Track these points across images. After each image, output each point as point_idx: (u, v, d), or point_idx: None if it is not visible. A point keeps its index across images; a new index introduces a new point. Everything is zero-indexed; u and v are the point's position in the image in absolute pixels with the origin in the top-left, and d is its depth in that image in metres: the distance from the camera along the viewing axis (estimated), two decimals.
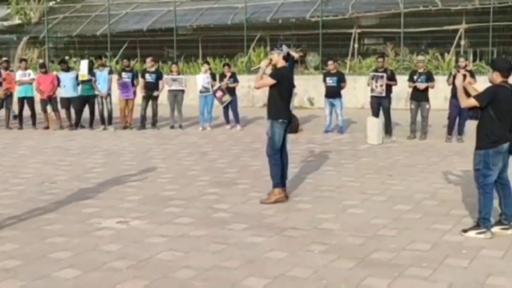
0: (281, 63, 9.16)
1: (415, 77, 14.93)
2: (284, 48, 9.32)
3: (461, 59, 15.07)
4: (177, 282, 5.92)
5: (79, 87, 17.45)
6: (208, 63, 18.69)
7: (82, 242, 7.09)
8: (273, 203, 8.88)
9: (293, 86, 9.57)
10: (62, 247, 6.91)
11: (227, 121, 17.63)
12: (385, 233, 7.44)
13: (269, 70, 9.36)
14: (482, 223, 7.24)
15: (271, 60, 9.24)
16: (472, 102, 7.31)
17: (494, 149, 7.15)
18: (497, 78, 7.23)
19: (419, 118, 14.98)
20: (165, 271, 6.16)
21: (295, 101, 18.13)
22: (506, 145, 7.18)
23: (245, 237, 7.30)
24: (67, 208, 8.68)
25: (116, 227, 7.70)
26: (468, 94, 7.50)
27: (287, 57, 9.34)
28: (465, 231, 7.31)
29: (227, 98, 17.05)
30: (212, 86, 17.19)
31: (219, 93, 17.14)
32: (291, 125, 16.07)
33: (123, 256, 6.59)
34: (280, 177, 9.10)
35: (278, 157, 9.11)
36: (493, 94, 7.17)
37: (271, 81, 9.02)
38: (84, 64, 17.84)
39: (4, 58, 20.73)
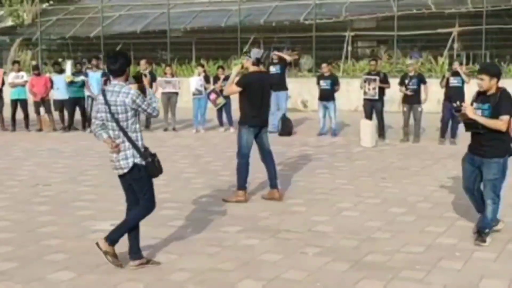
0: (251, 68, 9.28)
1: (406, 81, 14.96)
2: (253, 53, 9.43)
3: (455, 63, 15.16)
4: (172, 284, 5.93)
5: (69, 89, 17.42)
6: (202, 66, 18.71)
7: (77, 244, 7.10)
8: (234, 202, 9.05)
9: (268, 89, 9.57)
10: (56, 249, 6.91)
11: (221, 123, 17.65)
12: (379, 235, 7.47)
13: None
14: (491, 225, 7.19)
15: (242, 65, 9.38)
16: (507, 118, 6.86)
17: (508, 155, 7.09)
18: (494, 84, 6.95)
19: (412, 121, 15.03)
20: (160, 273, 6.18)
21: (288, 104, 18.08)
22: None
23: (240, 240, 7.32)
24: (62, 210, 8.68)
25: (110, 230, 7.69)
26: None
27: (260, 61, 9.51)
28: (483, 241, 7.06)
29: (221, 100, 17.06)
30: (206, 88, 17.20)
31: (213, 96, 17.16)
32: (286, 128, 16.37)
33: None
34: (244, 180, 9.24)
35: (245, 161, 9.22)
36: None
37: (237, 89, 9.22)
38: (68, 66, 17.83)
39: None
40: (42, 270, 6.25)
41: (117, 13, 30.62)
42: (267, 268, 6.34)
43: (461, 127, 14.88)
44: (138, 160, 6.22)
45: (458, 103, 7.09)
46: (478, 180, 7.18)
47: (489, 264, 6.46)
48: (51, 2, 33.27)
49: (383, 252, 6.81)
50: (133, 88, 6.19)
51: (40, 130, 17.69)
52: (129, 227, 6.35)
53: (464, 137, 15.18)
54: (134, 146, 6.20)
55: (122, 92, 6.11)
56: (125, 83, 6.24)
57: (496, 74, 7.01)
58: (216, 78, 17.55)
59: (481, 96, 7.07)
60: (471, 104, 7.10)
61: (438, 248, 6.96)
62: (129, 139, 6.18)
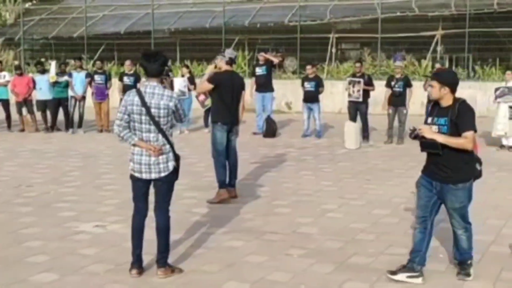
0: (224, 67, 9.33)
1: (393, 83, 15.01)
2: (227, 53, 9.48)
3: (437, 65, 15.26)
4: (156, 286, 5.91)
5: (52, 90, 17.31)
6: (187, 67, 18.63)
7: (59, 246, 7.03)
8: (218, 203, 9.05)
9: (239, 89, 9.54)
10: (39, 251, 6.85)
11: (206, 124, 17.59)
12: (364, 237, 7.48)
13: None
14: (471, 255, 6.27)
15: (215, 65, 9.43)
16: (472, 135, 5.83)
17: (474, 178, 6.10)
18: (447, 94, 5.93)
19: (396, 123, 15.06)
20: (143, 275, 6.13)
21: (274, 106, 18.07)
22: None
23: (224, 241, 7.30)
24: (44, 211, 8.60)
25: (94, 231, 7.66)
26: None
27: (233, 61, 9.54)
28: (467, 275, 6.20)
29: (209, 102, 16.94)
30: (190, 90, 17.13)
31: (201, 97, 17.01)
32: (270, 129, 16.35)
33: (101, 260, 6.56)
34: (225, 178, 9.27)
35: (222, 158, 9.27)
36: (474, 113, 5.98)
37: (208, 86, 9.26)
38: (52, 66, 17.72)
39: None
40: (23, 272, 6.19)
41: (101, 13, 30.46)
42: (251, 269, 6.32)
43: None
44: (175, 163, 6.12)
45: (411, 127, 6.09)
46: (436, 209, 6.13)
47: (474, 266, 6.44)
48: (34, 2, 33.09)
49: (368, 254, 6.81)
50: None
51: (23, 130, 17.54)
52: (169, 232, 6.27)
53: None
54: (173, 149, 6.11)
55: (166, 95, 5.98)
56: (161, 85, 6.09)
57: (448, 82, 5.90)
58: None
59: (437, 109, 6.05)
60: (426, 120, 6.16)
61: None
62: (169, 142, 6.07)
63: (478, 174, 6.11)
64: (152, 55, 6.06)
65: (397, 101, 14.98)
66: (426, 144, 5.95)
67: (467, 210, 6.10)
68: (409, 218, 8.28)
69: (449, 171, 5.90)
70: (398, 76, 15.20)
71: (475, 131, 5.85)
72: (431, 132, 5.89)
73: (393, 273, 6.08)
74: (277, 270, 6.31)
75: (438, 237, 7.42)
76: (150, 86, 5.98)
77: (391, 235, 7.52)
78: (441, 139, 5.82)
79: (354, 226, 7.91)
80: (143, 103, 5.90)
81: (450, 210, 6.05)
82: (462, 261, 6.26)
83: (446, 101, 5.92)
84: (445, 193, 5.96)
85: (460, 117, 5.81)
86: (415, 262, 6.09)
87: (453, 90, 5.93)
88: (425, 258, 6.17)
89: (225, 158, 9.32)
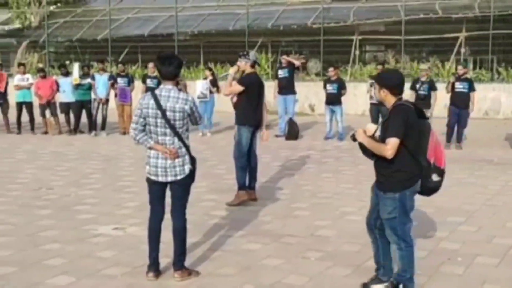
0: (249, 70, 9.35)
1: (417, 86, 14.89)
2: (251, 55, 9.44)
3: (460, 67, 15.10)
4: None
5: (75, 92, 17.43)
6: (210, 69, 18.62)
7: (77, 248, 7.05)
8: (237, 205, 9.07)
9: (263, 91, 9.58)
10: (56, 253, 6.87)
11: None
12: None
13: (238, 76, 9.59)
14: (405, 283, 5.67)
15: (239, 67, 9.41)
16: (393, 142, 5.34)
17: (411, 188, 5.59)
18: (388, 96, 5.61)
19: None
20: (160, 278, 6.13)
21: (296, 108, 18.04)
22: (419, 181, 5.62)
23: (242, 244, 7.29)
24: (63, 214, 8.65)
25: (112, 234, 7.68)
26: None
27: (256, 63, 9.58)
28: None
29: None
30: (211, 92, 17.15)
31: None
32: (293, 132, 16.31)
33: (118, 263, 6.57)
34: (245, 180, 9.29)
35: (244, 160, 9.28)
36: (405, 119, 5.44)
37: (240, 88, 9.23)
38: (75, 68, 17.84)
39: None
40: (40, 274, 6.21)
41: (125, 16, 30.67)
42: (268, 273, 6.30)
43: (466, 131, 14.94)
44: (191, 166, 6.12)
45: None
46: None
47: (491, 269, 6.39)
48: (59, 5, 33.34)
49: None
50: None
51: (46, 133, 17.70)
52: (185, 235, 6.26)
53: (470, 142, 15.21)
54: (189, 152, 6.11)
55: (181, 98, 5.96)
56: (177, 87, 6.09)
57: (386, 84, 5.61)
58: None
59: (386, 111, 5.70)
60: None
61: (440, 253, 6.91)
62: (185, 145, 6.07)
63: (432, 186, 5.66)
64: (167, 58, 6.02)
65: (421, 104, 14.82)
66: (360, 147, 5.69)
67: (401, 227, 5.59)
68: (428, 221, 8.23)
69: (382, 178, 5.63)
70: (423, 79, 15.08)
71: (399, 137, 5.32)
72: (361, 135, 5.60)
73: (365, 285, 5.90)
74: (294, 273, 6.28)
75: (457, 240, 7.38)
76: (165, 89, 5.97)
77: None
78: (366, 142, 5.56)
79: None
80: (159, 106, 5.89)
81: (382, 219, 5.68)
82: (395, 281, 5.71)
83: (388, 103, 5.61)
84: (379, 201, 5.70)
85: (388, 121, 5.47)
86: (379, 275, 5.91)
87: (393, 92, 5.57)
88: (391, 268, 5.87)
89: (247, 160, 9.33)
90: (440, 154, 5.65)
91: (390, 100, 5.58)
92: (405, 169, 5.46)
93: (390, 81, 5.65)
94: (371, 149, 5.51)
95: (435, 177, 5.59)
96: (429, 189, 5.68)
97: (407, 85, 15.47)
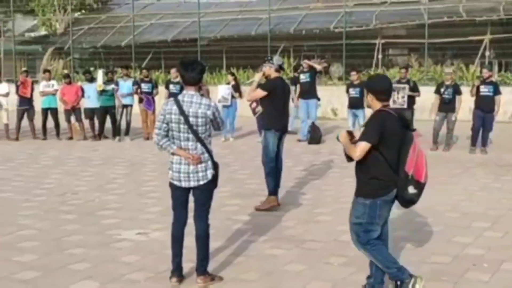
0: (274, 75, 9.34)
1: (442, 89, 14.79)
2: (275, 60, 9.46)
3: (484, 70, 14.97)
4: None
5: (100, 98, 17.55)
6: (233, 74, 18.61)
7: (101, 253, 7.10)
8: (267, 210, 9.05)
9: (288, 96, 9.64)
10: (80, 258, 6.92)
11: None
12: (405, 245, 7.38)
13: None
14: (398, 276, 5.64)
15: (264, 73, 9.41)
16: (363, 146, 5.36)
17: (384, 197, 5.49)
18: (373, 101, 5.53)
19: (443, 130, 14.86)
20: (183, 283, 6.15)
21: (319, 112, 18.02)
22: (394, 191, 5.51)
23: (264, 249, 7.29)
24: (87, 219, 8.71)
25: (136, 239, 7.72)
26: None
27: (281, 67, 9.56)
28: None
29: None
30: (234, 97, 17.15)
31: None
32: (315, 136, 16.28)
33: (141, 268, 6.60)
34: (274, 185, 9.26)
35: (272, 165, 9.24)
36: (382, 126, 5.39)
37: (262, 93, 9.25)
38: (100, 75, 17.98)
39: (23, 69, 20.96)
40: (65, 279, 6.26)
41: (148, 22, 30.88)
42: (290, 278, 6.29)
43: (491, 135, 14.82)
44: (213, 171, 6.14)
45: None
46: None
47: None
48: (83, 12, 33.65)
49: (409, 262, 6.66)
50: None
51: (71, 138, 17.82)
52: (208, 240, 6.27)
53: (495, 146, 15.08)
54: (211, 157, 6.13)
55: (204, 104, 5.97)
56: (199, 93, 6.12)
57: (372, 90, 5.54)
58: None
59: None
60: None
61: (465, 259, 6.85)
62: (208, 151, 6.09)
63: (407, 198, 5.54)
64: (189, 63, 6.03)
65: (446, 108, 14.77)
66: (344, 150, 5.63)
67: (363, 234, 5.55)
68: (453, 226, 8.17)
69: (359, 182, 5.62)
70: (448, 82, 14.99)
71: (369, 142, 5.31)
72: (343, 136, 5.52)
73: None
74: (316, 279, 6.27)
75: (483, 246, 7.32)
76: (188, 95, 5.99)
77: (434, 244, 7.41)
78: (344, 143, 5.53)
79: (395, 234, 7.77)
80: (181, 112, 5.91)
81: (349, 223, 5.67)
82: (393, 282, 5.69)
83: (374, 108, 5.53)
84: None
85: (365, 125, 5.50)
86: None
87: (378, 98, 5.48)
88: (382, 281, 5.79)
89: (275, 164, 9.31)
90: (421, 167, 5.51)
91: (375, 105, 5.52)
92: (381, 178, 5.44)
93: (376, 86, 5.58)
94: (345, 149, 5.54)
95: (411, 189, 5.48)
96: (405, 201, 5.59)
97: (429, 88, 15.55)
